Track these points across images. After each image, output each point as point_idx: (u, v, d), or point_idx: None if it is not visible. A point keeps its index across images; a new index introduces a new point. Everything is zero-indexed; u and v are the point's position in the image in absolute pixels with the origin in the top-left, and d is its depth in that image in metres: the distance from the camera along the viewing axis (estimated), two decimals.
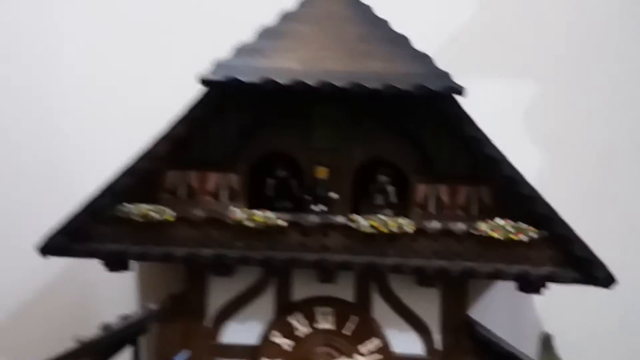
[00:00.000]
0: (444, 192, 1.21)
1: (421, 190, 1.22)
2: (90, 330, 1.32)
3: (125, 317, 1.27)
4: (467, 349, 1.25)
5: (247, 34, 1.19)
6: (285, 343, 1.27)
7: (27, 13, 1.61)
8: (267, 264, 1.18)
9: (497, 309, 1.45)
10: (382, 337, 1.26)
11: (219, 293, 1.28)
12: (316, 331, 1.26)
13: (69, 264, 1.61)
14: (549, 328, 1.48)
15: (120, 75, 1.54)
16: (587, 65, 1.50)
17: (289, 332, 1.27)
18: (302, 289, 1.28)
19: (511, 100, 1.48)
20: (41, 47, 1.59)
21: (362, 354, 1.25)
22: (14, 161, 1.56)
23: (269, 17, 1.22)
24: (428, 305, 1.27)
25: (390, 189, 1.25)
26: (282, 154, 1.25)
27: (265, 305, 1.29)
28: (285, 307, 1.28)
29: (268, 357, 1.26)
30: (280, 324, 1.27)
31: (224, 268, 1.22)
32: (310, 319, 1.27)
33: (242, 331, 1.28)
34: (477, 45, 1.49)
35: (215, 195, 1.23)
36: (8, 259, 1.57)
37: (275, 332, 1.27)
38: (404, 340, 1.27)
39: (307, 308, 1.27)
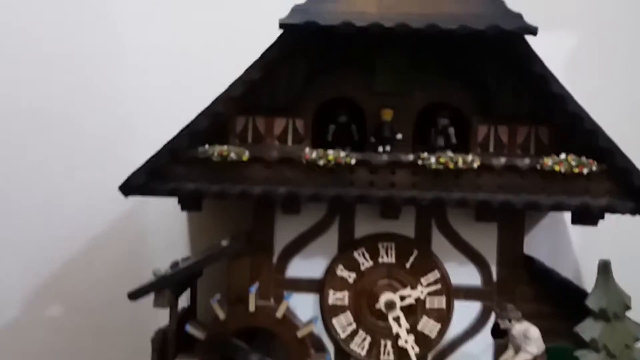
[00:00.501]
0: (503, 132, 1.28)
1: (482, 131, 1.28)
2: (143, 277, 1.39)
3: (183, 260, 1.33)
4: (522, 280, 1.33)
5: None
6: (349, 276, 1.34)
7: None
8: (338, 201, 1.24)
9: (539, 244, 1.53)
10: (441, 270, 1.33)
11: (286, 231, 1.35)
12: (378, 265, 1.34)
13: (121, 214, 1.68)
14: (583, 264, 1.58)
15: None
16: (627, 18, 1.55)
17: (353, 266, 1.34)
18: (365, 226, 1.35)
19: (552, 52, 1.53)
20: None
21: (422, 285, 1.33)
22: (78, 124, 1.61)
23: None
24: (485, 240, 1.34)
25: (451, 130, 1.30)
26: (344, 99, 1.30)
27: (329, 241, 1.35)
28: (349, 243, 1.34)
29: (334, 289, 1.34)
30: (344, 258, 1.34)
31: (294, 206, 1.28)
32: (373, 253, 1.34)
33: (307, 266, 1.35)
34: None
35: (282, 139, 1.29)
36: (64, 212, 1.63)
37: (340, 266, 1.34)
38: (462, 272, 1.34)
39: (370, 243, 1.34)
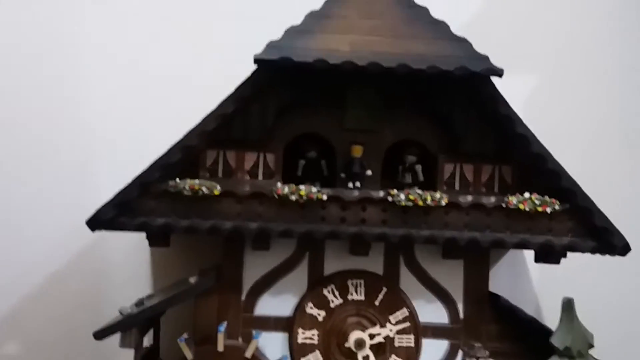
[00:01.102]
0: (469, 170, 1.31)
1: (448, 169, 1.31)
2: (104, 314, 1.36)
3: (144, 300, 1.30)
4: (488, 317, 1.35)
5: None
6: (319, 314, 1.33)
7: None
8: (309, 237, 1.24)
9: (500, 281, 1.55)
10: (409, 307, 1.34)
11: (255, 267, 1.33)
12: (348, 302, 1.33)
13: (82, 250, 1.64)
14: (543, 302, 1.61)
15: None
16: (585, 58, 1.64)
17: (322, 304, 1.33)
18: (334, 262, 1.35)
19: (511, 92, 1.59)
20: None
21: (391, 323, 1.33)
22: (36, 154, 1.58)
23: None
24: (452, 277, 1.36)
25: (418, 167, 1.33)
26: (314, 134, 1.31)
27: (299, 278, 1.34)
28: (318, 280, 1.34)
29: (303, 328, 1.32)
30: (314, 296, 1.33)
31: (264, 242, 1.27)
32: (343, 291, 1.33)
33: (276, 303, 1.34)
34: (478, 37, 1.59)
35: (253, 174, 1.29)
36: (22, 246, 1.58)
37: (309, 304, 1.33)
38: (430, 310, 1.35)
39: (340, 280, 1.34)
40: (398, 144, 1.32)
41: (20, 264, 1.57)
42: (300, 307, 1.33)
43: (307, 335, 1.33)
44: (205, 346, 1.26)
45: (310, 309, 1.33)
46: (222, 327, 1.25)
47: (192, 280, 1.29)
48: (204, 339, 1.26)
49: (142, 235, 1.27)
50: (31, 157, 1.58)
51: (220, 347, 1.24)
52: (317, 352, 1.32)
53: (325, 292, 1.33)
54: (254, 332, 1.30)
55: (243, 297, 1.34)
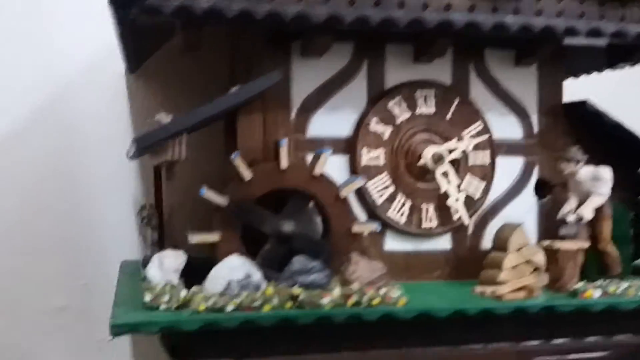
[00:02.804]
0: None
1: None
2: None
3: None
4: (564, 129, 1.20)
5: None
6: (384, 131, 1.12)
7: None
8: (389, 24, 1.01)
9: None
10: (483, 121, 1.16)
11: (305, 80, 1.10)
12: (416, 116, 1.13)
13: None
14: None
15: None
16: None
17: (388, 119, 1.12)
18: (396, 73, 1.14)
19: None
20: None
21: (462, 139, 1.14)
22: None
23: None
24: (525, 87, 1.20)
25: None
26: None
27: (357, 92, 1.13)
28: (380, 93, 1.13)
29: (367, 147, 1.11)
30: (377, 110, 1.12)
31: (311, 42, 1.04)
32: (410, 103, 1.13)
33: (332, 122, 1.11)
34: None
35: None
36: None
37: (373, 119, 1.12)
38: (503, 124, 1.18)
39: (406, 92, 1.13)
40: None
41: None
42: (362, 124, 1.11)
43: (372, 156, 1.12)
44: (265, 164, 1.02)
45: (375, 126, 1.12)
46: (285, 141, 1.01)
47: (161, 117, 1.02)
48: (250, 164, 1.02)
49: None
50: None
51: (285, 164, 1.00)
52: (385, 173, 1.12)
53: (390, 105, 1.12)
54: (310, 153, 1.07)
55: (293, 116, 1.10)
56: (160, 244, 1.05)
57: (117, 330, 0.84)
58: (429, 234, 1.14)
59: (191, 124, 0.95)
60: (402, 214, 1.13)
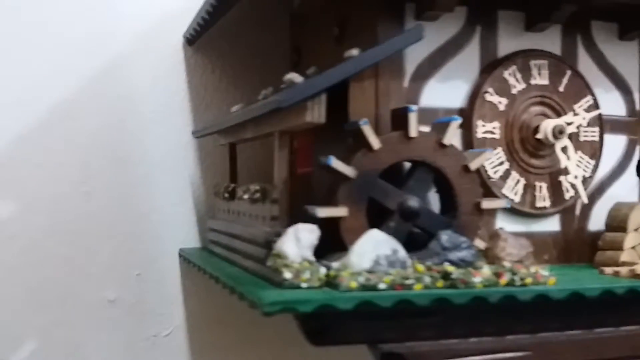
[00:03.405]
0: None
1: None
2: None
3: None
4: None
5: None
6: (499, 102, 1.05)
7: None
8: None
9: None
10: (592, 95, 1.11)
11: (416, 46, 1.01)
12: (531, 87, 1.07)
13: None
14: None
15: None
16: None
17: (503, 89, 1.05)
18: (508, 41, 1.07)
19: None
20: None
21: (576, 114, 1.09)
22: None
23: None
24: (628, 62, 1.15)
25: None
26: None
27: (469, 60, 1.06)
28: (495, 61, 1.06)
29: (483, 119, 1.04)
30: (493, 79, 1.05)
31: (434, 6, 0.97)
32: (525, 73, 1.07)
33: (445, 91, 1.04)
34: None
35: None
36: None
37: (489, 90, 1.05)
38: (608, 100, 1.13)
39: (521, 61, 1.07)
40: None
41: None
42: (477, 94, 1.04)
43: (487, 129, 1.05)
44: (393, 133, 0.93)
45: (491, 96, 1.05)
46: (414, 108, 0.93)
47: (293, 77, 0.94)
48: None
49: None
50: None
51: (414, 132, 0.92)
52: (500, 149, 1.05)
53: (506, 74, 1.06)
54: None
55: (406, 84, 1.02)
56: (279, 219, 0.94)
57: (270, 308, 0.74)
58: (541, 214, 1.08)
59: (331, 83, 0.86)
60: (516, 193, 1.06)
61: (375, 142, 0.90)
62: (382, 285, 0.79)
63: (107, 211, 1.29)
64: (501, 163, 1.05)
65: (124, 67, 1.31)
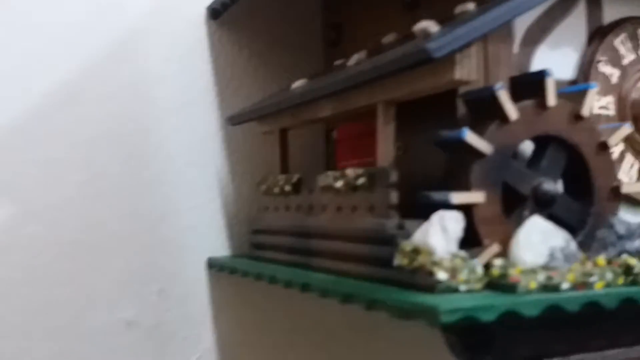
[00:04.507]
0: None
1: None
2: None
3: None
4: None
5: None
6: (612, 74, 0.92)
7: None
8: None
9: None
10: None
11: None
12: (639, 59, 0.94)
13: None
14: None
15: None
16: None
17: (615, 60, 0.92)
18: (613, 5, 0.95)
19: None
20: None
21: None
22: None
23: None
24: None
25: None
26: None
27: (575, 27, 0.92)
28: (602, 29, 0.93)
29: (597, 93, 0.90)
30: (605, 48, 0.91)
31: None
32: (634, 42, 0.94)
33: (554, 60, 0.89)
34: None
35: None
36: None
37: (601, 59, 0.91)
38: None
39: (629, 28, 0.94)
40: None
41: None
42: (591, 64, 0.90)
43: (601, 104, 0.91)
44: (528, 103, 0.77)
45: (604, 67, 0.91)
46: (550, 72, 0.78)
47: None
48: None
49: None
50: None
51: (552, 100, 0.77)
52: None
53: (617, 42, 0.92)
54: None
55: (516, 49, 0.87)
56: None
57: (449, 317, 0.56)
58: None
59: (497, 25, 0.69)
60: (630, 178, 0.92)
61: (512, 111, 0.74)
62: (565, 285, 0.63)
63: (119, 217, 1.06)
64: (617, 144, 0.91)
65: (136, 45, 1.10)
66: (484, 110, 0.75)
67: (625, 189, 0.81)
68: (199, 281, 1.11)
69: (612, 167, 0.81)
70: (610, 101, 0.91)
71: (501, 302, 0.59)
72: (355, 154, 1.04)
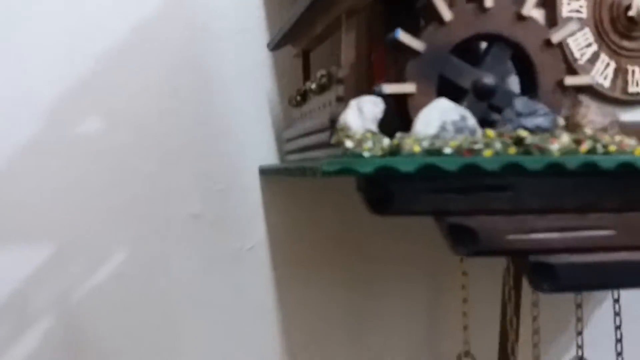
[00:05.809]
0: None
1: None
2: None
3: None
4: None
5: None
6: None
7: None
8: None
9: None
10: None
11: None
12: None
13: None
14: None
15: None
16: None
17: None
18: None
19: None
20: None
21: None
22: None
23: None
24: None
25: None
26: None
27: None
28: None
29: None
30: None
31: None
32: None
33: None
34: None
35: None
36: None
37: None
38: None
39: None
40: None
41: None
42: None
43: (573, 7, 0.97)
44: (467, 3, 0.88)
45: None
46: None
47: None
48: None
49: None
50: None
51: (490, 1, 0.86)
52: (587, 29, 0.97)
53: None
54: None
55: None
56: None
57: (328, 168, 0.71)
58: (634, 100, 0.99)
59: None
60: (605, 77, 0.98)
61: (446, 12, 0.85)
62: (447, 150, 0.75)
63: (191, 128, 1.30)
64: (589, 45, 0.97)
65: None
66: (426, 14, 0.87)
67: (568, 82, 0.88)
68: (253, 184, 1.32)
69: (559, 62, 0.88)
70: (583, 4, 0.97)
71: (379, 159, 0.73)
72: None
